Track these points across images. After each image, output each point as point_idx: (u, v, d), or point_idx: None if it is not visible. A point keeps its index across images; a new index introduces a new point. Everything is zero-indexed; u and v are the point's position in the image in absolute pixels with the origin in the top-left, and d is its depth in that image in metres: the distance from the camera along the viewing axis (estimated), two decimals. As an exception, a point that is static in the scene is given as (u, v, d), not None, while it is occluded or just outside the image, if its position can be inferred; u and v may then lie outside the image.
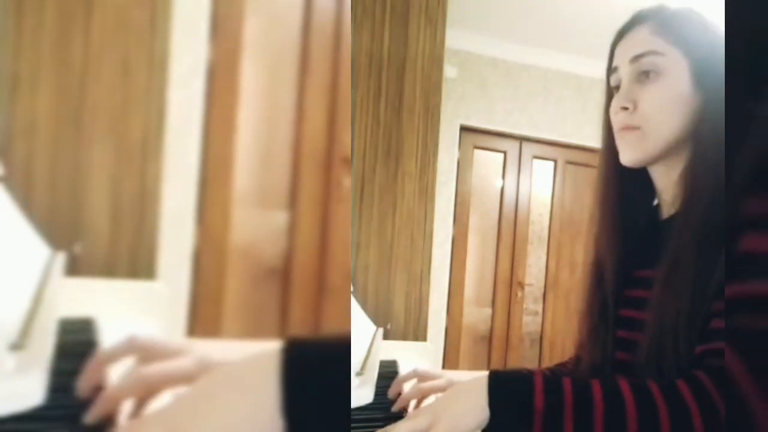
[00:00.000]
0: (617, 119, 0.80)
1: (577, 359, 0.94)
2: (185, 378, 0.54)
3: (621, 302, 0.82)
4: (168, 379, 0.54)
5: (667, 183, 0.81)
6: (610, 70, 0.85)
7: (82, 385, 0.57)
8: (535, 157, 4.06)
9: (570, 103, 3.99)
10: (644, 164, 0.81)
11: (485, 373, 0.65)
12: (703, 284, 0.66)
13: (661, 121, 0.76)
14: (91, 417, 0.55)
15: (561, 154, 4.09)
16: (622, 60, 0.81)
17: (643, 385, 0.60)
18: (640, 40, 0.79)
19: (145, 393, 0.55)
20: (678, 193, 0.77)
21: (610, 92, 0.85)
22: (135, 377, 0.54)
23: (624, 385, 0.60)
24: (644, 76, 0.78)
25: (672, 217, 0.79)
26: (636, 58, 0.78)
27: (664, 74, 0.76)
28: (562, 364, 0.99)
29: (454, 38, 3.49)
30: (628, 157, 0.80)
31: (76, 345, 0.87)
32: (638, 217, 0.86)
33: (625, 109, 0.78)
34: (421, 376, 0.95)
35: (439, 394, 0.91)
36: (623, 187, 0.86)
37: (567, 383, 0.61)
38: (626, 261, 0.83)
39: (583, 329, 0.88)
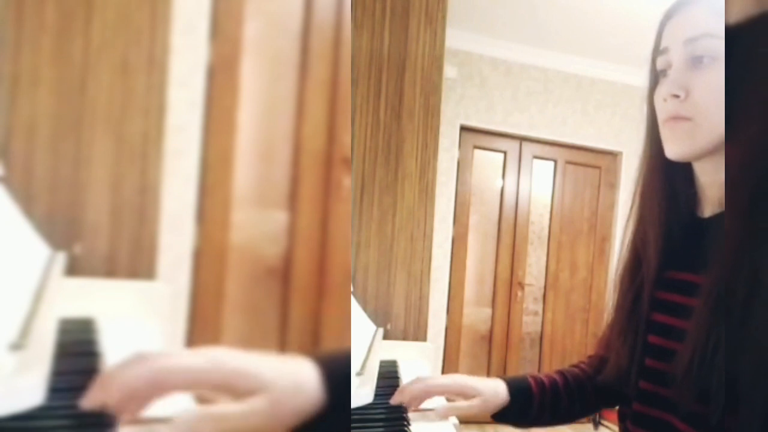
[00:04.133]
0: (666, 108, 0.72)
1: (599, 359, 0.89)
2: (199, 374, 0.51)
3: (653, 305, 0.77)
4: (180, 370, 0.50)
5: (713, 180, 0.74)
6: (657, 51, 0.76)
7: (87, 404, 0.54)
8: (535, 157, 4.06)
9: (570, 103, 3.99)
10: (692, 159, 0.74)
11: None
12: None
13: (715, 113, 0.68)
14: (87, 402, 0.51)
15: (561, 154, 4.09)
16: (673, 41, 0.73)
17: None
18: (697, 20, 0.70)
19: (155, 386, 0.51)
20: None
21: (656, 76, 0.77)
22: (144, 367, 0.50)
23: None
24: (698, 61, 0.69)
25: (717, 218, 0.72)
26: (691, 41, 0.70)
27: (722, 61, 0.67)
28: (576, 365, 0.96)
29: (454, 38, 3.50)
30: (675, 150, 0.72)
31: (76, 345, 0.86)
32: (679, 213, 0.78)
33: (676, 96, 0.70)
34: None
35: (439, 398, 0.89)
36: (668, 179, 0.79)
37: None
38: (661, 260, 0.77)
39: (613, 329, 0.83)
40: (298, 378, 0.55)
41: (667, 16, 0.75)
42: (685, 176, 0.78)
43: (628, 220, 0.84)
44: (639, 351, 0.77)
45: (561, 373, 0.93)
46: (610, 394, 0.88)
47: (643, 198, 0.81)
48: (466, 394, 0.87)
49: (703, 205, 0.77)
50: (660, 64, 0.75)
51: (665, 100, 0.72)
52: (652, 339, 0.76)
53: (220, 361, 0.53)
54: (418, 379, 0.91)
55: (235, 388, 0.52)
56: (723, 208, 0.71)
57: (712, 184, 0.74)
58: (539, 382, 0.90)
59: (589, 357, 0.97)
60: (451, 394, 0.88)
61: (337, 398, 0.55)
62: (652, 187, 0.80)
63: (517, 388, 0.89)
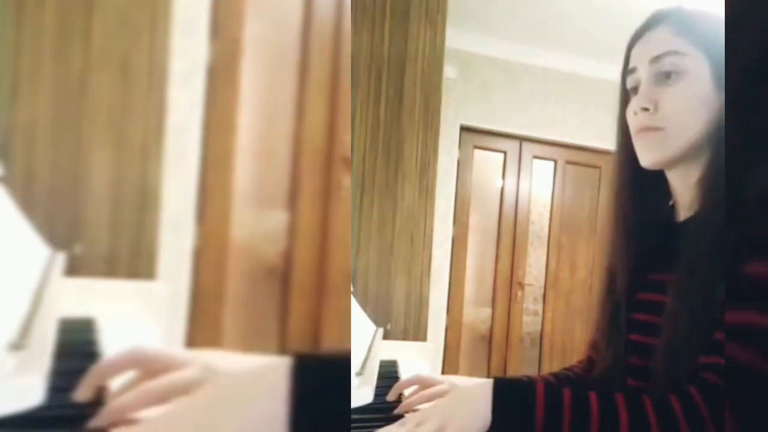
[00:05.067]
0: (637, 120, 0.78)
1: (589, 361, 0.93)
2: (191, 389, 0.53)
3: (635, 306, 0.81)
4: (174, 390, 0.53)
5: (684, 185, 0.79)
6: (627, 71, 0.82)
7: (81, 392, 0.57)
8: (535, 157, 4.06)
9: (570, 103, 3.99)
10: (665, 166, 0.79)
11: (489, 380, 0.66)
12: (719, 292, 0.65)
13: (683, 121, 0.74)
14: (94, 425, 0.55)
15: (561, 154, 4.09)
16: (640, 61, 0.79)
17: (637, 400, 0.62)
18: (661, 40, 0.77)
19: (151, 405, 0.55)
20: (695, 197, 0.75)
21: (626, 94, 0.83)
22: (141, 391, 0.54)
23: (620, 399, 0.62)
24: (665, 76, 0.76)
25: (689, 220, 0.77)
26: (656, 59, 0.76)
27: (686, 75, 0.74)
28: (568, 368, 0.98)
29: (454, 38, 3.49)
30: (648, 158, 0.77)
31: (76, 345, 0.87)
32: (653, 219, 0.84)
33: (646, 110, 0.76)
34: (423, 382, 0.93)
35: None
36: (638, 190, 0.84)
37: (567, 394, 0.63)
38: (640, 264, 0.82)
39: (597, 332, 0.87)
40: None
41: (634, 40, 0.82)
42: (658, 185, 0.83)
43: (603, 228, 0.89)
44: (622, 350, 0.81)
45: (554, 375, 0.95)
46: None
47: (617, 208, 0.86)
48: None
49: (678, 210, 0.82)
50: (629, 82, 0.82)
51: (636, 113, 0.77)
52: (635, 337, 0.80)
53: (212, 371, 0.54)
54: (416, 379, 0.93)
55: None
56: (694, 211, 0.76)
57: (683, 189, 0.79)
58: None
59: (580, 361, 0.99)
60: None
61: (315, 397, 0.54)
62: (625, 197, 0.85)
63: None
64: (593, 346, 0.93)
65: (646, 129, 0.76)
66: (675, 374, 0.68)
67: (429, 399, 0.91)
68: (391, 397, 0.97)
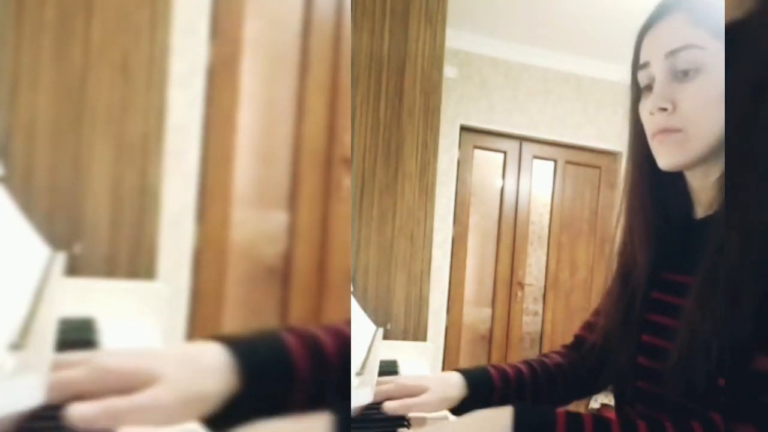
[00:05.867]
0: (654, 121, 0.73)
1: (576, 342, 0.93)
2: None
3: (648, 306, 0.79)
4: (137, 415, 0.50)
5: (704, 184, 0.75)
6: (638, 66, 0.77)
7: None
8: (535, 157, 4.06)
9: (570, 103, 3.99)
10: (685, 168, 0.75)
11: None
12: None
13: (704, 122, 0.69)
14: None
15: (561, 154, 4.09)
16: (653, 55, 0.73)
17: (660, 426, 0.60)
18: (675, 31, 0.71)
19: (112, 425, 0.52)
20: (716, 196, 0.71)
21: (638, 90, 0.78)
22: (108, 407, 0.50)
23: (641, 426, 0.61)
24: (682, 72, 0.70)
25: (707, 219, 0.74)
26: (673, 53, 0.70)
27: (706, 70, 0.68)
28: (546, 355, 0.97)
29: (454, 38, 3.49)
30: (667, 161, 0.73)
31: (76, 345, 0.87)
32: (670, 216, 0.80)
33: (664, 110, 0.71)
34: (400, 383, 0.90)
35: (441, 413, 0.89)
36: (655, 188, 0.80)
37: (588, 423, 0.61)
38: (655, 263, 0.79)
39: (609, 332, 0.85)
40: (200, 363, 0.54)
41: (644, 30, 0.76)
42: (675, 182, 0.79)
43: (616, 228, 0.85)
44: (634, 351, 0.79)
45: (528, 363, 0.93)
46: (584, 385, 0.90)
47: (631, 209, 0.82)
48: (412, 394, 0.85)
49: (696, 207, 0.78)
50: (642, 78, 0.76)
51: (652, 113, 0.72)
52: (646, 338, 0.78)
53: (100, 366, 0.53)
54: (393, 382, 0.90)
55: (125, 386, 0.51)
56: (713, 210, 0.72)
57: (702, 187, 0.75)
58: (503, 374, 0.89)
59: (564, 345, 0.99)
60: (399, 397, 0.86)
61: (252, 380, 0.53)
62: (639, 197, 0.81)
63: (477, 380, 0.88)
64: (586, 327, 0.92)
65: (665, 131, 0.72)
66: (688, 380, 0.66)
67: (402, 392, 0.87)
68: (376, 398, 0.94)
